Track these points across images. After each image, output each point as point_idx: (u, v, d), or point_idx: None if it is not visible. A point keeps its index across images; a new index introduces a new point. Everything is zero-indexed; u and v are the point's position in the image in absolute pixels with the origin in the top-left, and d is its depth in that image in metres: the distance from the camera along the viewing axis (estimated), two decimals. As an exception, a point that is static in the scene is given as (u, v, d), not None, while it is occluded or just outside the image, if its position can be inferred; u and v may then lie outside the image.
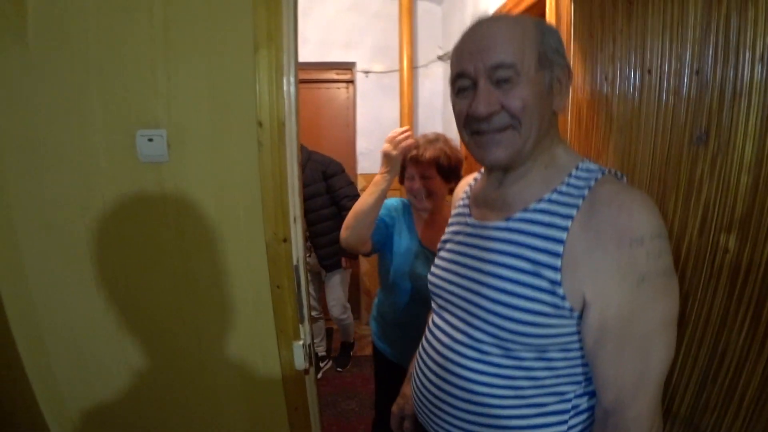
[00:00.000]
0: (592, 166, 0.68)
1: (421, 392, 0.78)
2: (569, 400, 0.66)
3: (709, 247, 0.72)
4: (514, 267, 0.65)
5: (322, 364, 2.72)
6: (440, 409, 0.72)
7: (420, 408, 0.79)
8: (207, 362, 1.18)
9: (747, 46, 0.65)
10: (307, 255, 2.41)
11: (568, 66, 0.68)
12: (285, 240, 1.11)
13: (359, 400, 2.36)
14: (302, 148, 2.15)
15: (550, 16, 1.27)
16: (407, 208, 1.46)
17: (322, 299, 2.64)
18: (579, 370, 0.66)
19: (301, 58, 2.53)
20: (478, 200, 0.80)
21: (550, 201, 0.65)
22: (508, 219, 0.69)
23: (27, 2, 1.03)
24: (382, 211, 1.38)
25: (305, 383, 1.20)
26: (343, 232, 1.33)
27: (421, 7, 2.55)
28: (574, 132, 1.15)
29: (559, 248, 0.61)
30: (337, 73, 2.67)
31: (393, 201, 1.47)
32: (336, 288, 2.49)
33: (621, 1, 0.93)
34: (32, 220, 1.10)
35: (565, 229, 0.62)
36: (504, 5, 1.68)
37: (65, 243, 1.11)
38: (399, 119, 2.49)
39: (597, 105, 1.03)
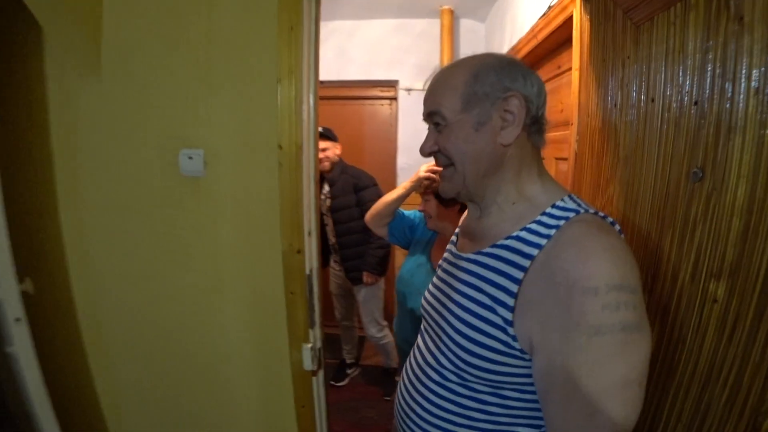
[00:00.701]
0: (571, 204, 0.63)
1: (398, 406, 0.79)
2: None
3: (699, 294, 0.65)
4: (475, 300, 0.64)
5: (349, 371, 2.72)
6: (407, 424, 0.73)
7: (397, 420, 0.80)
8: (227, 355, 1.28)
9: (743, 77, 0.58)
10: (338, 269, 2.44)
11: (516, 97, 0.63)
12: (299, 251, 1.17)
13: (379, 410, 2.36)
14: (339, 162, 2.23)
15: (575, 39, 1.21)
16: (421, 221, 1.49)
17: (356, 312, 2.59)
18: (538, 414, 0.63)
19: (346, 77, 2.64)
20: (463, 231, 0.80)
21: (517, 238, 0.63)
22: (477, 252, 0.68)
23: (101, 44, 1.20)
24: (410, 214, 1.53)
25: (312, 383, 1.25)
26: (368, 214, 1.55)
27: (465, 26, 2.53)
28: (587, 158, 1.08)
29: (515, 288, 0.59)
30: (381, 91, 2.73)
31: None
32: (367, 303, 2.39)
33: (629, 25, 0.87)
34: (98, 221, 1.28)
35: (523, 268, 0.59)
36: (536, 25, 1.62)
37: (120, 241, 1.27)
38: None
39: (607, 131, 0.97)
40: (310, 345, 1.21)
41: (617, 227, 0.62)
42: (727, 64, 0.61)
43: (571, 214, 0.61)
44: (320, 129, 2.14)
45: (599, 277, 0.52)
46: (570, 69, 1.31)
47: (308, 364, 1.22)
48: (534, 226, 0.62)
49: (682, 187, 0.70)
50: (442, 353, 0.68)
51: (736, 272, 0.58)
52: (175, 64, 1.17)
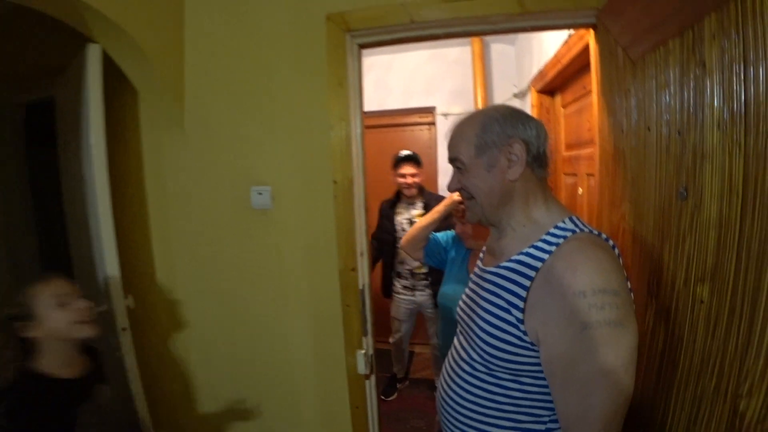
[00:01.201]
0: (569, 225, 0.77)
1: (439, 396, 0.94)
2: (544, 423, 0.77)
3: (690, 296, 0.76)
4: (495, 304, 0.79)
5: (399, 385, 2.82)
6: (446, 410, 0.88)
7: (438, 408, 0.95)
8: (291, 361, 1.50)
9: (708, 112, 0.71)
10: (408, 294, 2.49)
11: (517, 143, 0.79)
12: (353, 269, 1.38)
13: (428, 420, 2.46)
14: (422, 190, 2.43)
15: (592, 66, 1.33)
16: (460, 247, 1.64)
17: (414, 334, 2.72)
18: (551, 397, 0.75)
19: (386, 106, 2.87)
20: (488, 249, 0.96)
21: (526, 254, 0.77)
22: (497, 266, 0.83)
23: (185, 103, 1.51)
24: (443, 237, 1.68)
25: (365, 386, 1.43)
26: (403, 239, 1.71)
27: (495, 50, 2.69)
28: (604, 178, 1.20)
29: (523, 293, 0.73)
30: (419, 117, 2.94)
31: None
32: (431, 321, 2.50)
33: (628, 61, 1.00)
34: (183, 249, 1.58)
35: (530, 278, 0.73)
36: (560, 51, 1.75)
37: (201, 264, 1.55)
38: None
39: (617, 155, 1.09)
40: (363, 351, 1.40)
41: (610, 242, 0.76)
42: (697, 100, 0.74)
43: (568, 233, 0.75)
44: (408, 153, 2.39)
45: (586, 283, 0.66)
46: (592, 91, 1.43)
47: (362, 368, 1.41)
48: (539, 244, 0.77)
49: (674, 204, 0.82)
50: (473, 348, 0.83)
51: (715, 276, 0.70)
52: (244, 118, 1.45)
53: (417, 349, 3.25)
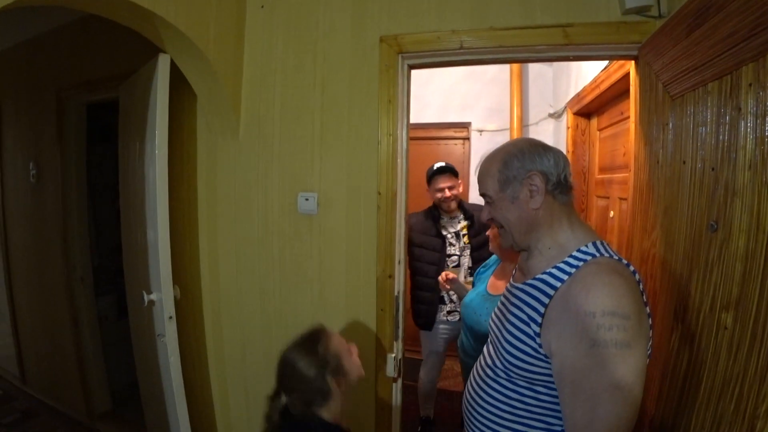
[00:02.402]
0: (591, 249, 0.83)
1: (465, 397, 1.03)
2: (554, 431, 0.84)
3: (715, 323, 0.84)
4: (518, 317, 0.88)
5: (433, 429, 2.49)
6: (469, 411, 0.97)
7: (463, 409, 1.04)
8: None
9: (741, 153, 0.79)
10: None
11: (536, 175, 0.87)
12: (390, 276, 1.49)
13: None
14: (461, 202, 2.27)
15: (632, 95, 1.41)
16: (497, 261, 1.73)
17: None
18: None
19: (424, 120, 2.99)
20: (519, 267, 1.05)
21: (549, 274, 0.84)
22: (524, 283, 0.92)
23: (240, 115, 1.66)
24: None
25: (392, 389, 1.53)
26: None
27: (533, 70, 2.78)
28: (637, 205, 1.28)
29: (542, 310, 0.81)
30: (455, 131, 3.04)
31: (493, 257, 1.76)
32: None
33: (667, 97, 1.08)
34: (228, 248, 1.72)
35: (549, 296, 0.81)
36: (599, 76, 1.83)
37: (246, 265, 1.68)
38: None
39: (652, 184, 1.17)
40: (393, 355, 1.50)
41: (631, 268, 0.81)
42: (731, 141, 0.82)
43: (589, 257, 0.81)
44: (442, 164, 2.21)
45: (596, 305, 0.73)
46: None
47: (390, 371, 1.51)
48: (561, 265, 0.84)
49: (704, 236, 0.89)
50: (497, 356, 0.92)
51: (739, 305, 0.77)
52: (296, 128, 1.58)
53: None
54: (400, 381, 1.57)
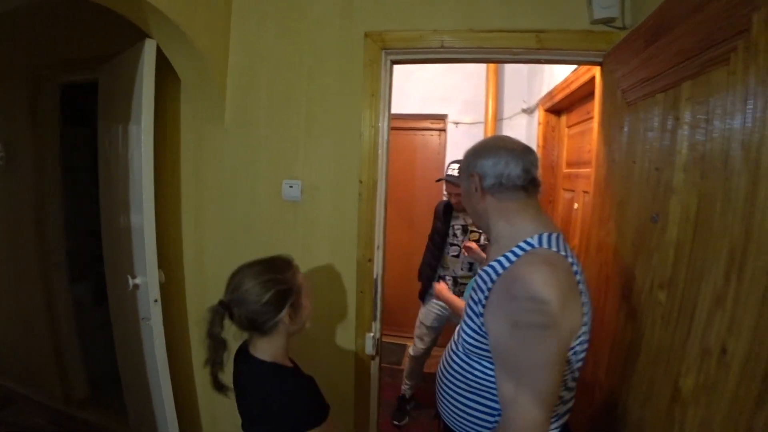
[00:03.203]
0: (533, 241, 0.91)
1: (437, 373, 1.16)
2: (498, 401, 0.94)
3: (653, 299, 1.00)
4: (473, 298, 0.98)
5: (408, 407, 2.64)
6: (438, 384, 1.09)
7: (436, 381, 1.16)
8: (306, 342, 1.70)
9: (678, 157, 0.94)
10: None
11: (474, 175, 0.99)
12: (370, 260, 1.60)
13: None
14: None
15: (596, 97, 1.56)
16: None
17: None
18: None
19: (403, 110, 3.08)
20: (487, 255, 1.18)
21: (497, 261, 0.92)
22: (481, 269, 1.01)
23: (226, 102, 1.71)
24: None
25: (371, 366, 1.65)
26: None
27: (510, 68, 2.92)
28: (596, 199, 1.44)
29: (486, 293, 0.91)
30: (432, 123, 3.16)
31: None
32: None
33: (624, 103, 1.23)
34: (214, 232, 1.78)
35: (493, 281, 0.90)
36: (569, 77, 1.98)
37: (233, 250, 1.76)
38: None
39: (608, 181, 1.32)
40: (372, 334, 1.62)
41: (570, 260, 0.88)
42: (671, 145, 0.97)
43: (529, 248, 0.90)
44: (447, 173, 2.30)
45: (521, 290, 0.83)
46: (594, 117, 1.67)
47: (369, 349, 1.63)
48: (508, 254, 0.92)
49: (646, 226, 1.05)
50: (459, 334, 1.04)
51: (671, 284, 0.93)
52: (282, 117, 1.65)
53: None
54: (378, 359, 1.69)
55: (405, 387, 2.64)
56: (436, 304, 2.42)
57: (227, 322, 1.04)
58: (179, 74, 1.66)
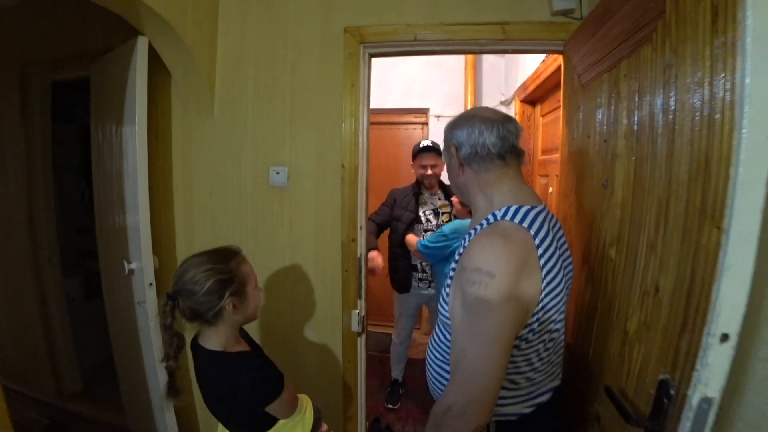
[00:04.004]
0: (499, 214, 0.92)
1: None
2: None
3: (605, 257, 1.13)
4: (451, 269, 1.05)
5: (401, 391, 2.76)
6: (426, 356, 1.19)
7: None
8: (295, 321, 1.82)
9: (620, 126, 1.07)
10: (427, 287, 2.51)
11: (451, 146, 1.02)
12: (353, 240, 1.72)
13: None
14: (440, 181, 2.45)
15: (562, 84, 1.70)
16: None
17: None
18: None
19: (386, 105, 3.22)
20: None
21: (470, 234, 0.96)
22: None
23: (215, 93, 1.82)
24: (441, 237, 2.00)
25: (357, 343, 1.76)
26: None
27: (488, 61, 3.07)
28: (561, 176, 1.57)
29: (454, 265, 0.94)
30: (414, 117, 3.30)
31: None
32: (435, 313, 2.44)
33: (580, 85, 1.37)
34: (204, 219, 1.88)
35: (460, 254, 0.93)
36: (539, 68, 2.13)
37: (222, 235, 1.86)
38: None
39: (570, 157, 1.46)
40: (357, 311, 1.74)
41: (533, 230, 0.89)
42: (614, 118, 1.10)
43: (492, 220, 0.91)
44: (428, 143, 2.37)
45: (470, 261, 0.84)
46: (562, 106, 1.81)
47: (355, 326, 1.74)
48: (477, 227, 0.95)
49: (599, 193, 1.18)
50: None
51: (619, 240, 1.06)
52: (268, 108, 1.77)
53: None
54: (364, 336, 1.81)
55: (395, 372, 2.78)
56: (414, 293, 2.52)
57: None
58: (169, 69, 1.77)
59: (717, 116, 0.69)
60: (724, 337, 0.68)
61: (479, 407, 0.79)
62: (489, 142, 0.96)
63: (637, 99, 0.99)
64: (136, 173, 1.67)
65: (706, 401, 0.71)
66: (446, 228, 2.02)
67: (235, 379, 1.06)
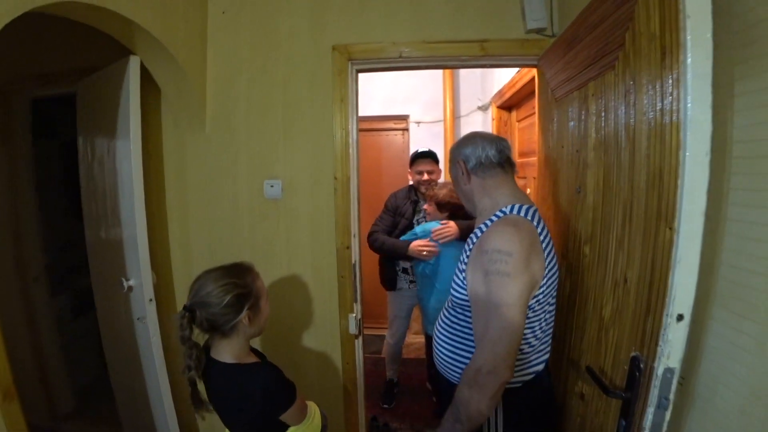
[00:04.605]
0: (507, 210, 1.13)
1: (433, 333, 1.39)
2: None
3: (581, 253, 1.29)
4: (460, 261, 1.25)
5: (395, 390, 2.87)
6: (434, 341, 1.33)
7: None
8: (294, 326, 1.93)
9: (590, 139, 1.24)
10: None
11: (460, 161, 1.24)
12: (348, 247, 1.84)
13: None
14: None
15: (536, 94, 1.87)
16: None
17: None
18: None
19: (369, 112, 3.34)
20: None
21: (479, 228, 1.16)
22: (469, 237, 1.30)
23: (207, 108, 1.91)
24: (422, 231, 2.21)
25: (355, 345, 1.88)
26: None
27: (465, 69, 3.25)
28: (539, 181, 1.74)
29: (468, 252, 1.14)
30: (395, 123, 3.45)
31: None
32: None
33: (553, 98, 1.54)
34: (200, 232, 1.96)
35: (473, 243, 1.14)
36: (515, 77, 2.31)
37: (219, 247, 1.94)
38: (443, 161, 3.12)
39: (547, 164, 1.63)
40: (354, 314, 1.86)
41: (535, 223, 1.10)
42: (585, 131, 1.27)
43: (501, 215, 1.13)
44: (425, 150, 2.46)
45: (490, 244, 1.05)
46: (536, 114, 1.99)
47: (353, 329, 1.86)
48: (487, 222, 1.15)
49: (574, 197, 1.35)
50: (450, 296, 1.29)
51: (592, 239, 1.23)
52: (261, 123, 1.87)
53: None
54: (361, 338, 1.93)
55: (390, 372, 2.89)
56: (407, 294, 2.64)
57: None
58: (160, 86, 1.84)
59: (667, 136, 0.85)
60: (680, 317, 0.84)
61: (507, 364, 1.00)
62: (491, 154, 1.21)
63: (603, 116, 1.16)
64: (132, 189, 1.73)
65: (669, 371, 0.87)
66: (417, 229, 2.28)
67: (252, 390, 1.14)
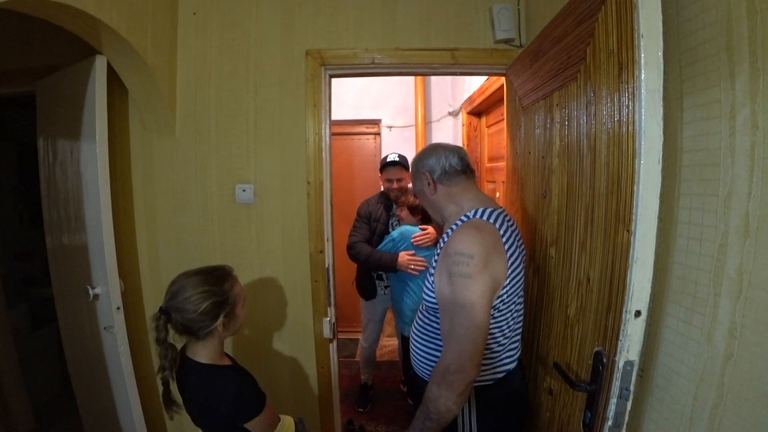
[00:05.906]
0: (470, 214, 1.18)
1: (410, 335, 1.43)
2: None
3: (547, 255, 1.36)
4: (431, 264, 1.31)
5: (370, 393, 2.90)
6: (410, 342, 1.38)
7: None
8: (267, 330, 1.92)
9: (554, 146, 1.31)
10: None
11: (425, 173, 1.28)
12: (321, 251, 1.85)
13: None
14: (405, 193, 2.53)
15: (505, 102, 1.95)
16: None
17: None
18: None
19: (339, 116, 3.39)
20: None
21: (446, 234, 1.20)
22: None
23: (176, 111, 1.88)
24: (389, 242, 2.29)
25: (329, 349, 1.90)
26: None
27: (435, 75, 3.34)
28: (507, 186, 1.82)
29: (437, 257, 1.19)
30: (367, 127, 3.49)
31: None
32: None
33: (521, 107, 1.61)
34: (169, 238, 1.93)
35: (440, 248, 1.19)
36: (484, 84, 2.39)
37: (188, 254, 1.91)
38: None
39: (515, 170, 1.71)
40: (328, 319, 1.87)
41: (497, 225, 1.16)
42: (550, 138, 1.34)
43: (465, 219, 1.19)
44: (395, 158, 2.46)
45: (452, 247, 1.10)
46: (504, 121, 2.07)
47: (327, 333, 1.88)
48: (453, 226, 1.20)
49: (540, 201, 1.42)
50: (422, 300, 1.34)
51: (557, 241, 1.30)
52: (231, 127, 1.86)
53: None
54: (335, 342, 1.94)
55: (365, 375, 2.91)
56: (381, 299, 2.67)
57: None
58: (128, 87, 1.80)
59: (624, 145, 0.93)
60: (638, 313, 0.92)
61: (473, 362, 1.04)
62: (454, 162, 1.28)
63: (567, 125, 1.23)
64: (97, 193, 1.68)
65: (629, 364, 0.94)
66: (394, 233, 2.33)
67: (222, 392, 1.15)
